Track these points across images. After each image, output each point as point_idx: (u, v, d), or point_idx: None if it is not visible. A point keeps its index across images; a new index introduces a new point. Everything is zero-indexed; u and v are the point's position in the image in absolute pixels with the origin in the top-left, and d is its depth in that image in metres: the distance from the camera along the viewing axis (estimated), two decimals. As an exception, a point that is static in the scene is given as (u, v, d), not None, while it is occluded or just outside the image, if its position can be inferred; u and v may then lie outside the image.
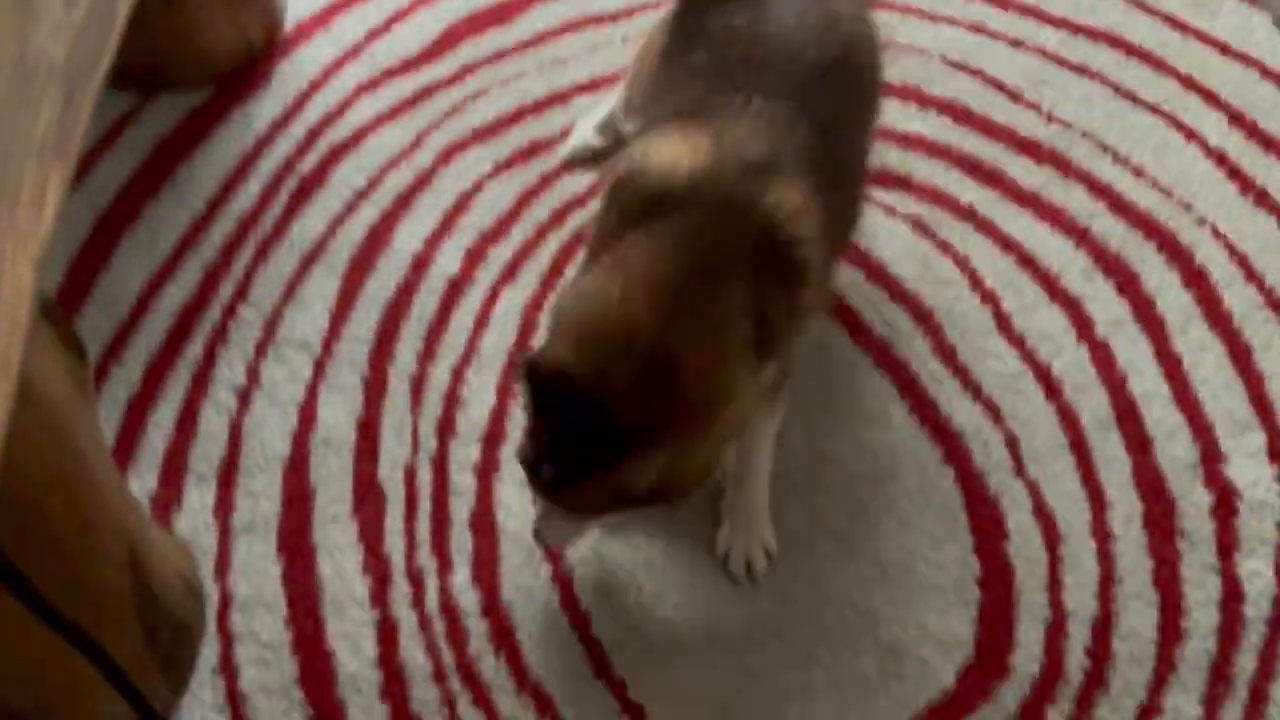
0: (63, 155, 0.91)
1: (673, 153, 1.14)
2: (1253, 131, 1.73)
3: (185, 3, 1.70)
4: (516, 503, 1.43)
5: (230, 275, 1.61)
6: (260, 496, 1.44)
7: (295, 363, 1.54)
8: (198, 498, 1.44)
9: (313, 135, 1.76)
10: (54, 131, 0.91)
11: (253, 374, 1.54)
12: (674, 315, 1.04)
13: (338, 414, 1.50)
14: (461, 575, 1.39)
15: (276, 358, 1.55)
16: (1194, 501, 1.41)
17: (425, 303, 1.60)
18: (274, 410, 1.50)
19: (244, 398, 1.52)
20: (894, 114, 1.77)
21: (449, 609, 1.37)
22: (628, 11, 1.92)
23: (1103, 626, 1.33)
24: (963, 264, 1.62)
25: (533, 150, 1.75)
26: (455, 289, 1.61)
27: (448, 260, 1.63)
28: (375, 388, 1.52)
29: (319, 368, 1.54)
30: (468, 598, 1.37)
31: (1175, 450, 1.44)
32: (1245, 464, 1.43)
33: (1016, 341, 1.55)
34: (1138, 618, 1.33)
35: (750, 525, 1.36)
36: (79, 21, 0.98)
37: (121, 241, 1.64)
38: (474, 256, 1.64)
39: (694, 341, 1.05)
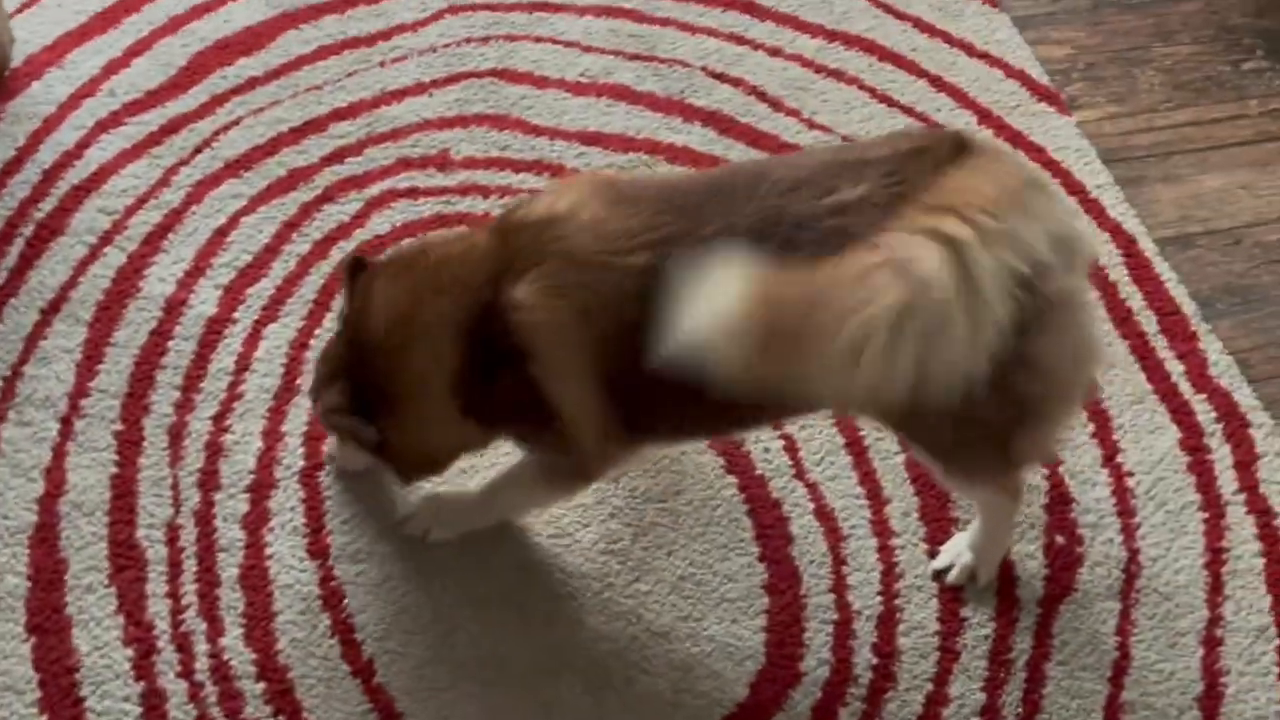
0: None
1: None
2: (1001, 128, 1.80)
3: (-112, 42, 1.57)
4: (289, 553, 1.36)
5: (-41, 335, 1.49)
6: (5, 572, 1.33)
7: (39, 423, 1.43)
8: (-67, 580, 1.32)
9: (49, 177, 1.65)
10: None
11: (-10, 439, 1.42)
12: (394, 336, 1.22)
13: (89, 475, 1.40)
14: (233, 636, 1.31)
15: (18, 420, 1.44)
16: (966, 490, 1.44)
17: (181, 348, 1.51)
18: (17, 477, 1.39)
19: (-18, 466, 1.40)
20: (660, 127, 1.77)
21: (222, 673, 1.28)
22: (384, 34, 1.87)
23: (887, 622, 1.35)
24: (735, 272, 1.62)
25: (291, 181, 1.68)
26: (213, 331, 1.53)
27: (204, 301, 1.55)
28: (129, 443, 1.43)
29: (66, 427, 1.44)
30: (241, 659, 1.29)
31: (946, 441, 1.48)
32: (1011, 450, 1.47)
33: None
34: (920, 610, 1.36)
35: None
36: None
37: None
38: (232, 295, 1.56)
39: (400, 357, 1.23)
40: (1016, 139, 1.79)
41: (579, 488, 1.34)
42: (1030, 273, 1.05)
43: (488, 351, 1.18)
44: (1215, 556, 1.40)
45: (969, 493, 1.36)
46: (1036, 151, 1.77)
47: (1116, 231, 1.68)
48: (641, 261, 1.13)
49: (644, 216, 1.15)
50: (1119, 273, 1.64)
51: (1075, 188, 1.73)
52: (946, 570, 1.37)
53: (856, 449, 1.47)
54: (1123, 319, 1.59)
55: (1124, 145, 1.79)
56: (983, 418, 1.14)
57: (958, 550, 1.37)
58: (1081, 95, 1.86)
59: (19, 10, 1.83)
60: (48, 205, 1.62)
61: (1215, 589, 1.38)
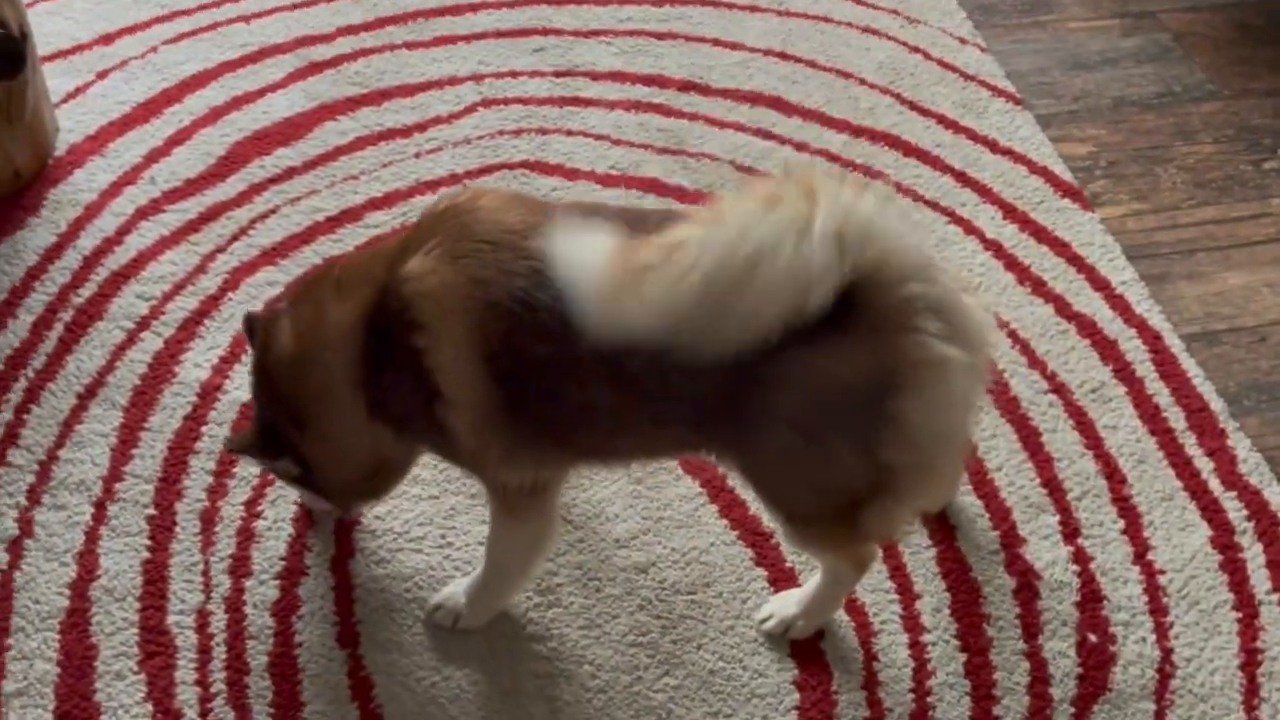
0: None
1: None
2: (1025, 223, 1.82)
3: (-60, 132, 1.61)
4: (319, 642, 1.36)
5: (-2, 418, 1.51)
6: (35, 658, 1.33)
7: (73, 507, 1.44)
8: (-37, 664, 1.32)
9: (89, 264, 1.67)
10: None
11: (25, 523, 1.43)
12: (299, 350, 1.23)
13: (121, 560, 1.41)
14: (262, 725, 1.30)
15: (52, 503, 1.45)
16: (998, 586, 1.44)
17: (215, 433, 1.52)
18: (49, 561, 1.40)
19: (15, 549, 1.41)
20: (689, 219, 1.80)
21: (249, 763, 1.28)
22: (420, 126, 1.91)
23: (919, 720, 1.34)
24: (764, 363, 1.63)
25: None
26: (247, 416, 1.53)
27: (238, 386, 1.56)
28: (162, 528, 1.43)
29: (100, 511, 1.44)
30: (269, 749, 1.29)
31: (977, 536, 1.48)
32: (1042, 545, 1.47)
33: (820, 438, 1.56)
34: (952, 708, 1.34)
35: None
36: None
37: (-127, 387, 1.52)
38: (267, 382, 1.57)
39: (304, 368, 1.24)
40: (1040, 234, 1.81)
41: (513, 523, 1.30)
42: (871, 276, 1.04)
43: (383, 339, 1.18)
44: (1250, 658, 1.39)
45: (813, 555, 1.35)
46: (1061, 246, 1.79)
47: (1142, 327, 1.69)
48: (533, 245, 1.13)
49: (542, 216, 1.16)
50: (1145, 369, 1.64)
51: (1100, 283, 1.74)
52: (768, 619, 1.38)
53: (886, 543, 1.46)
54: (1150, 415, 1.59)
55: (1148, 242, 1.81)
56: (838, 479, 1.14)
57: (785, 603, 1.38)
58: (1104, 192, 1.89)
59: (64, 100, 1.88)
60: (87, 291, 1.64)
61: (1251, 691, 1.37)
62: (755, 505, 1.49)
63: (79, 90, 1.91)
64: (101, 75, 1.93)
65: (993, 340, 1.22)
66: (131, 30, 2.01)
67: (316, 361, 1.23)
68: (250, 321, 1.30)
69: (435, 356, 1.15)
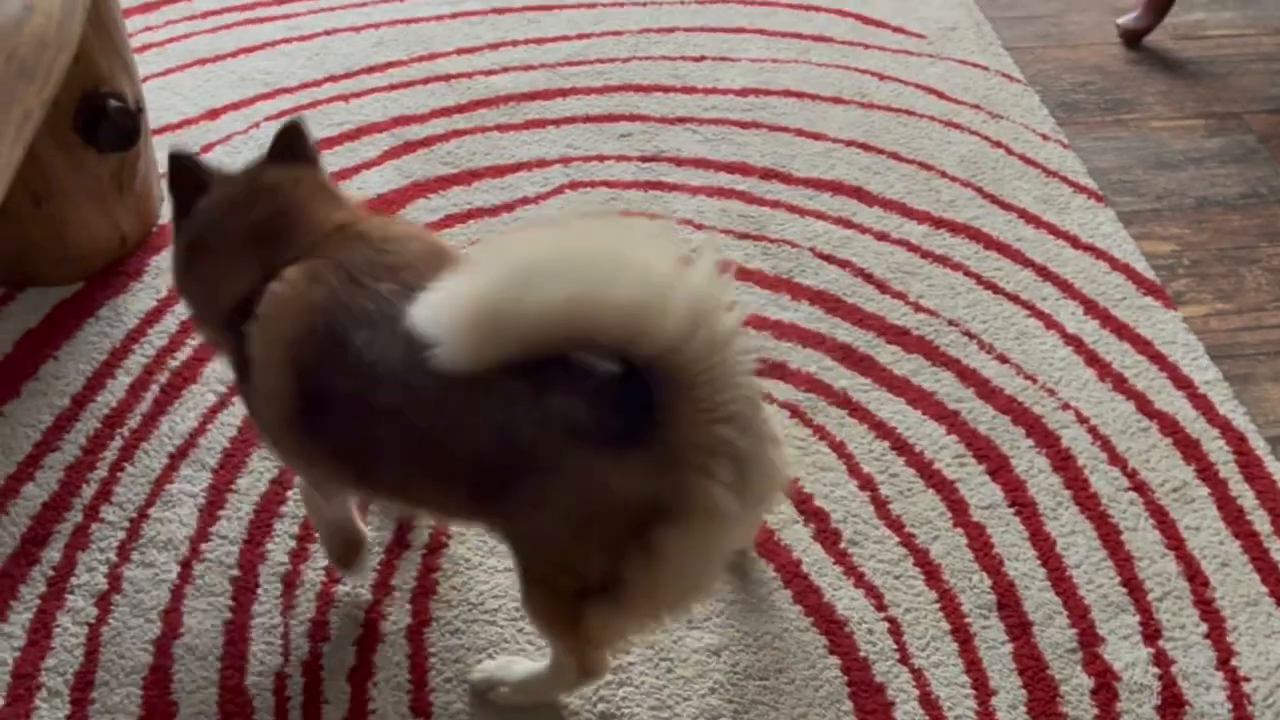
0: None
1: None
2: (1106, 319, 1.82)
3: (57, 200, 1.68)
4: (392, 709, 1.37)
5: (94, 475, 1.55)
6: (117, 712, 1.35)
7: (160, 565, 1.48)
8: (49, 715, 1.35)
9: (186, 328, 1.73)
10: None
11: (114, 578, 1.46)
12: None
13: (204, 619, 1.44)
14: (333, 790, 1.31)
15: (141, 560, 1.48)
16: (1075, 685, 1.41)
17: (299, 498, 1.55)
18: (136, 617, 1.43)
19: (104, 604, 1.44)
20: (768, 303, 1.82)
21: (319, 828, 1.29)
22: (508, 206, 1.96)
23: (994, 820, 1.31)
24: (840, 449, 1.64)
25: (412, 341, 1.75)
26: (331, 484, 1.57)
27: (324, 454, 1.60)
28: (245, 589, 1.46)
29: (186, 570, 1.48)
30: (339, 815, 1.30)
31: (1054, 633, 1.46)
32: (1121, 646, 1.45)
33: (895, 526, 1.56)
34: (1027, 809, 1.32)
35: None
36: (-63, 228, 0.96)
37: (-22, 441, 1.58)
38: (351, 450, 1.61)
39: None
40: (1122, 331, 1.80)
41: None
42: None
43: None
44: (1338, 771, 1.35)
45: (539, 632, 1.33)
46: (1143, 344, 1.78)
47: (1226, 428, 1.67)
48: (386, 289, 1.17)
49: (436, 262, 1.19)
50: (1229, 470, 1.62)
51: (1183, 382, 1.73)
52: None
53: (962, 635, 1.45)
54: (1234, 518, 1.57)
55: (1232, 342, 1.80)
56: (579, 565, 1.15)
57: (507, 667, 1.37)
58: (1187, 291, 1.88)
59: (170, 171, 1.96)
60: (182, 355, 1.70)
61: (1339, 807, 1.33)
62: (830, 593, 1.48)
63: (185, 162, 1.98)
64: (207, 149, 2.01)
65: (778, 499, 1.26)
66: (236, 106, 2.10)
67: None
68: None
69: (255, 349, 1.22)
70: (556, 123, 2.13)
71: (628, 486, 1.08)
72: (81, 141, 1.65)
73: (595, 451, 1.08)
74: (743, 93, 2.21)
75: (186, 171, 1.27)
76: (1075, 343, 1.79)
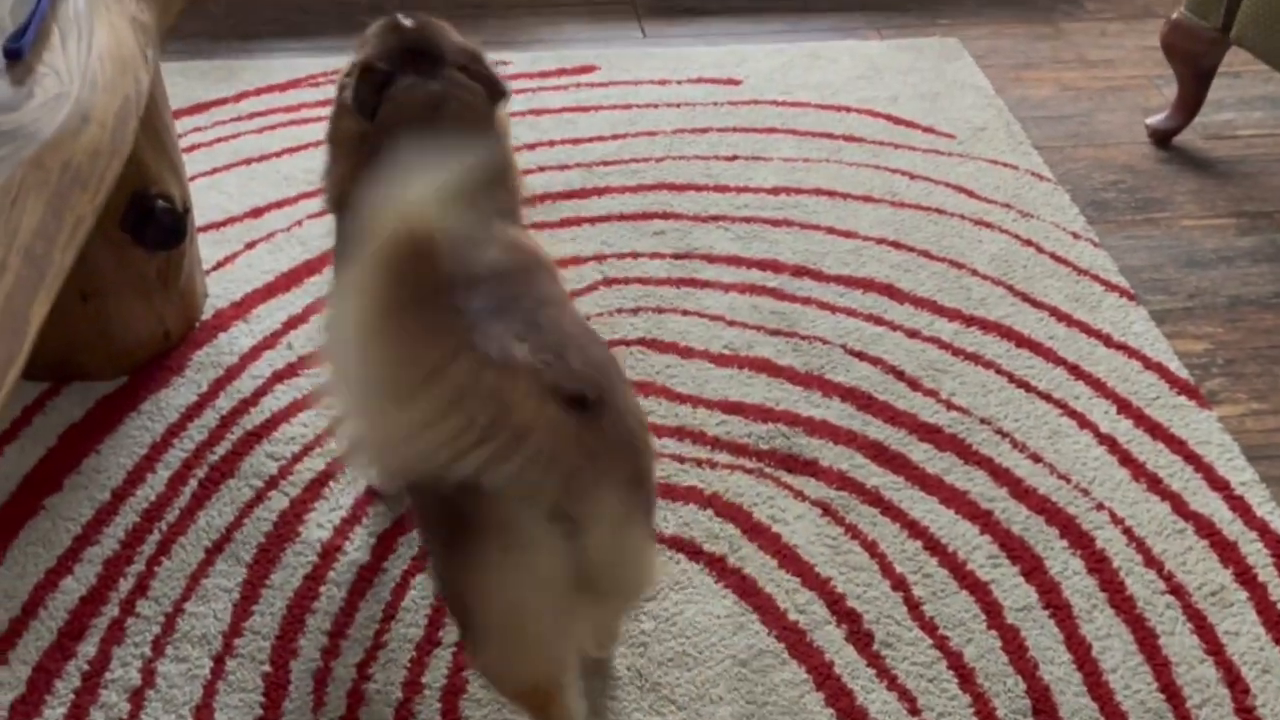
0: (-40, 468, 0.90)
1: None
2: (1140, 419, 1.81)
3: (104, 297, 1.72)
4: (421, 810, 1.37)
5: (131, 569, 1.57)
6: (146, 809, 1.36)
7: (194, 660, 1.49)
8: (78, 811, 1.36)
9: (226, 423, 1.76)
10: (-47, 445, 0.90)
11: (148, 673, 1.47)
12: None
13: (236, 715, 1.44)
14: None
15: (174, 655, 1.49)
16: (1113, 795, 1.39)
17: (332, 594, 1.56)
18: (168, 713, 1.44)
19: (137, 699, 1.45)
20: (799, 401, 1.83)
21: None
22: (542, 301, 1.99)
23: None
24: (872, 549, 1.63)
25: (447, 437, 1.76)
26: (364, 579, 1.58)
27: (358, 548, 1.61)
28: (276, 685, 1.47)
29: (218, 665, 1.49)
30: None
31: (1091, 740, 1.44)
32: (1160, 754, 1.42)
33: (928, 628, 1.55)
34: None
35: None
36: (-10, 333, 0.99)
37: (20, 534, 1.60)
38: (385, 544, 1.62)
39: None
40: (1155, 430, 1.79)
41: None
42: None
43: None
44: None
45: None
46: (1177, 444, 1.77)
47: (1264, 531, 1.66)
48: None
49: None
50: (1268, 574, 1.60)
51: (1219, 483, 1.72)
52: None
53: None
54: (1275, 623, 1.55)
55: (1268, 443, 1.79)
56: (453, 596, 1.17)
57: None
58: (1222, 391, 1.87)
59: (214, 268, 2.01)
60: (221, 449, 1.72)
61: None
62: (863, 696, 1.47)
63: (228, 259, 2.03)
64: (250, 245, 2.06)
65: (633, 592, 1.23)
66: (280, 205, 2.15)
67: None
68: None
69: None
70: (592, 220, 2.17)
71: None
72: (129, 240, 1.70)
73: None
74: (774, 191, 2.24)
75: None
76: (1109, 442, 1.78)
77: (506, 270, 1.22)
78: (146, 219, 1.67)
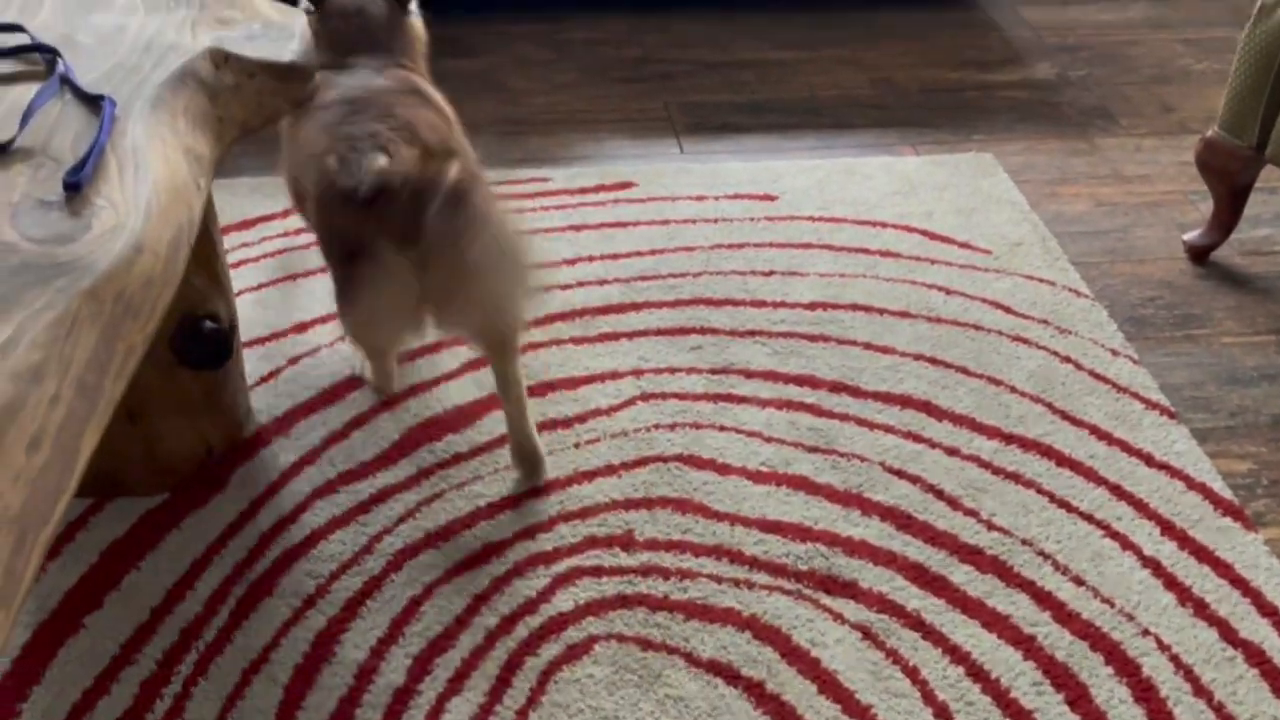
0: (7, 603, 0.91)
1: None
2: (1184, 541, 1.79)
3: (149, 415, 1.75)
4: None
5: (168, 690, 1.57)
6: None
7: (227, 784, 1.48)
8: None
9: (265, 540, 1.77)
10: (0, 581, 0.91)
11: (181, 797, 1.47)
12: None
13: (267, 842, 1.43)
14: None
15: (208, 778, 1.49)
16: None
17: (368, 716, 1.55)
18: (200, 838, 1.43)
19: (169, 824, 1.44)
20: (838, 520, 1.82)
21: None
22: (580, 418, 2.00)
23: None
24: (913, 675, 1.61)
25: (485, 554, 1.77)
26: (399, 701, 1.57)
27: (394, 670, 1.60)
28: (309, 812, 1.46)
29: (252, 789, 1.48)
30: None
31: None
32: None
33: (972, 758, 1.52)
34: None
35: None
36: (40, 465, 1.01)
37: (59, 653, 1.61)
38: (421, 665, 1.61)
39: None
40: (1201, 553, 1.77)
41: None
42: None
43: None
44: None
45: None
46: (1224, 568, 1.74)
47: (1316, 659, 1.62)
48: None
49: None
50: (1322, 704, 1.56)
51: (1268, 609, 1.68)
52: None
53: None
54: (1330, 756, 1.51)
55: (1318, 567, 1.76)
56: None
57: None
58: (1268, 512, 1.85)
59: (258, 383, 2.04)
60: (260, 567, 1.73)
61: None
62: (904, 830, 1.43)
63: (272, 374, 2.06)
64: (293, 361, 2.10)
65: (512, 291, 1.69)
66: (324, 320, 2.19)
67: None
68: None
69: None
70: (630, 335, 2.19)
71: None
72: (176, 359, 1.73)
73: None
74: (811, 306, 2.26)
75: None
76: (1153, 565, 1.75)
77: (386, 90, 1.73)
78: (193, 339, 1.71)
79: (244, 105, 1.54)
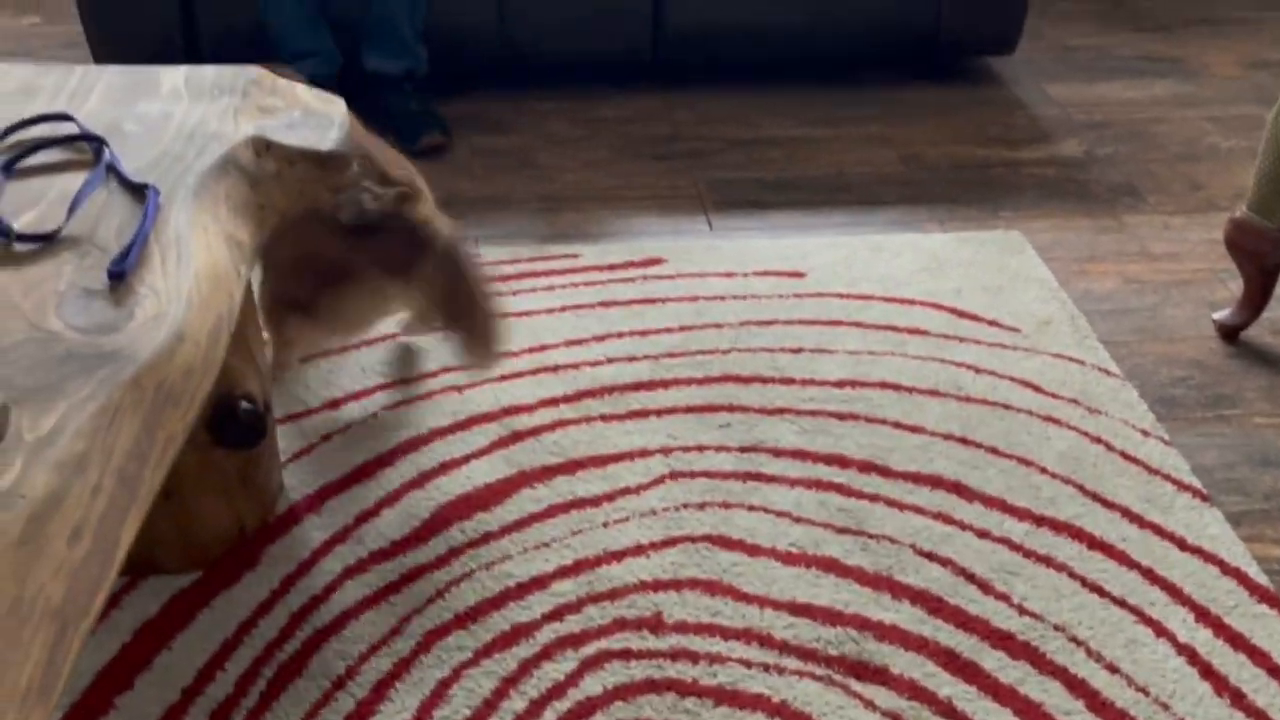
0: (46, 697, 0.92)
1: None
2: (1219, 628, 1.77)
3: (183, 494, 1.77)
4: None
5: (197, 772, 1.57)
6: None
7: None
8: None
9: (295, 620, 1.77)
10: (40, 673, 0.92)
11: None
12: None
13: None
14: None
15: None
16: None
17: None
18: None
19: None
20: (868, 603, 1.81)
21: None
22: (609, 496, 2.01)
23: None
24: (945, 763, 1.59)
25: (514, 636, 1.76)
26: (427, 786, 1.57)
27: (421, 754, 1.60)
28: None
29: None
30: None
31: None
32: None
33: None
34: None
35: None
36: (81, 557, 1.02)
37: (89, 733, 1.61)
38: (448, 750, 1.61)
39: None
40: (1237, 641, 1.75)
41: None
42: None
43: None
44: None
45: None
46: (1260, 656, 1.72)
47: (1357, 752, 1.59)
48: None
49: None
50: (1364, 800, 1.54)
51: (1307, 699, 1.66)
52: None
53: None
54: None
55: (1356, 656, 1.73)
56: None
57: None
58: (1305, 599, 1.83)
59: (291, 460, 2.06)
60: (290, 647, 1.74)
61: None
62: None
63: (304, 451, 2.08)
64: (325, 438, 2.11)
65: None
66: (356, 396, 2.21)
67: None
68: None
69: None
70: (658, 413, 2.20)
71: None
72: (211, 439, 1.75)
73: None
74: (840, 384, 2.26)
75: None
76: (1188, 653, 1.73)
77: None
78: (229, 420, 1.73)
79: (285, 192, 1.58)
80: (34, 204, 1.42)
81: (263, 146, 1.57)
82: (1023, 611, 1.80)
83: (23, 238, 1.35)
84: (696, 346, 2.37)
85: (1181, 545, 1.91)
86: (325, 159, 1.60)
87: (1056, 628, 1.77)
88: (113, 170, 1.48)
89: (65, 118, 1.58)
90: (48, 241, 1.36)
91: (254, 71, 1.74)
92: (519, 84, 3.37)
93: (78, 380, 1.16)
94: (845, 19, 3.28)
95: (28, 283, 1.29)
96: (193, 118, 1.62)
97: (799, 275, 2.58)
